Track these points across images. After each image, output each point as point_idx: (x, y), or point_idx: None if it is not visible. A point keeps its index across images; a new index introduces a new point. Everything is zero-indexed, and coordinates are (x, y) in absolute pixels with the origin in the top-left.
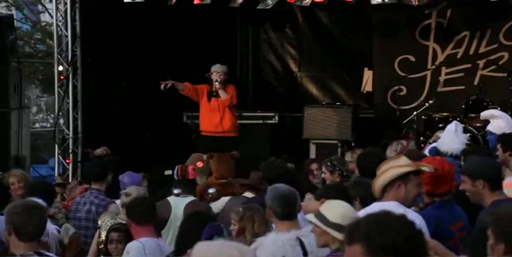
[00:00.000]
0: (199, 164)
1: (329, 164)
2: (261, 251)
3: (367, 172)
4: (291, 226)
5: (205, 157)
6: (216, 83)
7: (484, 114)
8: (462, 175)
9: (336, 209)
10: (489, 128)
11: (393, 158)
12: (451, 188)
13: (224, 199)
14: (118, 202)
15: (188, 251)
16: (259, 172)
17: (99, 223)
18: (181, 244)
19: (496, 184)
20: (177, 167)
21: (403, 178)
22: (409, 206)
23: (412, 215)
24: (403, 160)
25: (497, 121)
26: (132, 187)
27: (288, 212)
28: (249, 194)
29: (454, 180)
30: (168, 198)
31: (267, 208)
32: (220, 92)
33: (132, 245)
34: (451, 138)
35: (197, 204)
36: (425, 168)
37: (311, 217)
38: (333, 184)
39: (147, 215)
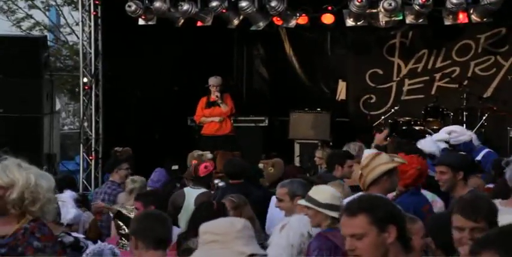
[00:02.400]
0: (194, 162)
1: None
2: (289, 228)
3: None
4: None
5: (209, 154)
6: (217, 96)
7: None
8: (442, 165)
9: (325, 192)
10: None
11: (375, 156)
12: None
13: None
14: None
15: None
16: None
17: (112, 213)
18: (191, 226)
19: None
20: (191, 165)
21: (388, 173)
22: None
23: None
24: (385, 157)
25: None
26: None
27: None
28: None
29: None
30: (184, 189)
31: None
32: (222, 104)
33: None
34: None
35: (206, 194)
36: (400, 160)
37: (303, 201)
38: None
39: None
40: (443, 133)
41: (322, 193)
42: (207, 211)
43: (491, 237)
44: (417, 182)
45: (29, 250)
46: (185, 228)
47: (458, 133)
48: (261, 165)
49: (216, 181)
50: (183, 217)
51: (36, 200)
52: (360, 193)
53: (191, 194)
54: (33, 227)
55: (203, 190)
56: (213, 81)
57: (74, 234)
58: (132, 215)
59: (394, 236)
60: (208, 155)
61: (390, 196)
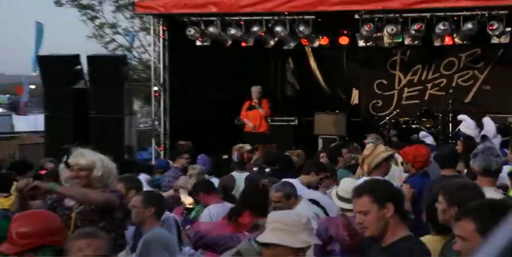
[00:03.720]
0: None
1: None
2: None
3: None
4: None
5: (248, 146)
6: (255, 102)
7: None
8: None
9: (340, 186)
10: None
11: (374, 147)
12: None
13: None
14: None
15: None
16: None
17: (175, 185)
18: (241, 202)
19: (443, 164)
20: (236, 153)
21: (387, 159)
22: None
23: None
24: (382, 147)
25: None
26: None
27: None
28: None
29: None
30: (232, 173)
31: None
32: (259, 108)
33: (203, 211)
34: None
35: (253, 176)
36: (392, 150)
37: (333, 192)
38: None
39: (212, 187)
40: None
41: (344, 185)
42: (254, 190)
43: (470, 207)
44: (426, 164)
45: (106, 191)
46: (236, 204)
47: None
48: (286, 153)
49: (254, 168)
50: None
51: (111, 175)
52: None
53: (240, 177)
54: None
55: (246, 173)
56: (254, 89)
57: None
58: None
59: (392, 211)
60: (247, 147)
61: (403, 176)
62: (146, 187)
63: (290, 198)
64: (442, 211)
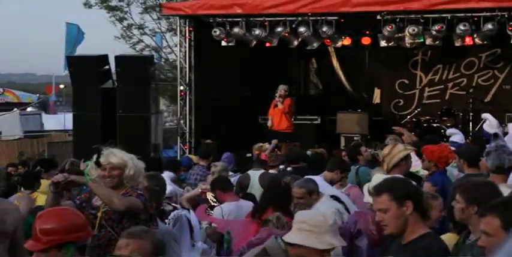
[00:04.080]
0: (256, 152)
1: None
2: (322, 207)
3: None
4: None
5: (267, 145)
6: (276, 98)
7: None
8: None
9: (376, 180)
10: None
11: (394, 146)
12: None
13: None
14: None
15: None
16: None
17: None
18: (264, 200)
19: (471, 163)
20: (255, 152)
21: (405, 158)
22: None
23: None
24: (401, 146)
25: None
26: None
27: None
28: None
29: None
30: (248, 171)
31: None
32: (279, 104)
33: (215, 209)
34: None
35: (266, 174)
36: (410, 148)
37: (365, 187)
38: None
39: (228, 185)
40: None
41: (373, 180)
42: (276, 187)
43: (495, 204)
44: (448, 164)
45: (133, 193)
46: (259, 202)
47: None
48: (309, 152)
49: (281, 166)
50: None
51: (140, 174)
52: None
53: (254, 175)
54: (136, 188)
55: (261, 171)
56: (281, 87)
57: (173, 205)
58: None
59: (411, 209)
60: (267, 145)
61: (425, 173)
62: (170, 185)
63: (312, 194)
64: (460, 209)
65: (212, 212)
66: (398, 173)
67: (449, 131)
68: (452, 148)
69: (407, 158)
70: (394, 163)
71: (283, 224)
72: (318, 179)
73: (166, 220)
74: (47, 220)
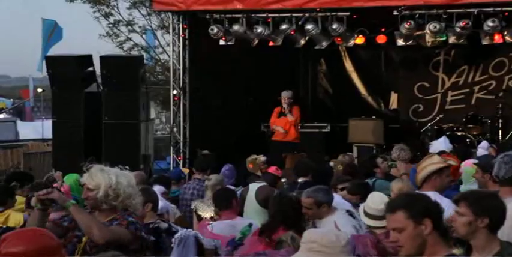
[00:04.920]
0: (250, 165)
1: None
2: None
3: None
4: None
5: (262, 157)
6: (284, 108)
7: None
8: (477, 166)
9: (368, 201)
10: None
11: (428, 157)
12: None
13: None
14: None
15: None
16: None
17: (192, 207)
18: (274, 218)
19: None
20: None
21: (437, 172)
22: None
23: (445, 201)
24: (436, 158)
25: None
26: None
27: None
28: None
29: None
30: (250, 184)
31: None
32: (288, 114)
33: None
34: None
35: (266, 188)
36: (452, 162)
37: (361, 207)
38: None
39: (224, 202)
40: None
41: (369, 200)
42: (287, 204)
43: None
44: (456, 178)
45: (123, 222)
46: (269, 218)
47: None
48: (331, 163)
49: (283, 180)
50: (248, 207)
51: (118, 195)
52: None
53: (253, 187)
54: (128, 213)
55: (263, 183)
56: (284, 94)
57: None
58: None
59: (430, 228)
60: (262, 158)
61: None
62: (161, 200)
63: (321, 206)
64: (467, 223)
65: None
66: (430, 190)
67: (481, 144)
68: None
69: (440, 172)
70: (424, 176)
71: (299, 244)
72: (335, 196)
73: (172, 239)
74: (14, 243)
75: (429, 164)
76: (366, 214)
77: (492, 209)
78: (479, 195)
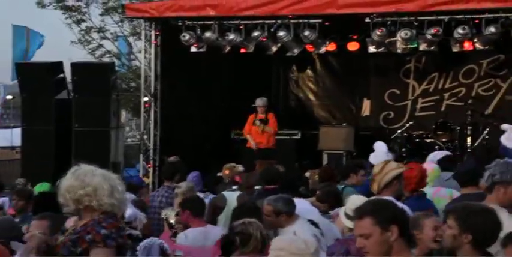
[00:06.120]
0: (226, 171)
1: None
2: (299, 232)
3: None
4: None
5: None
6: (260, 115)
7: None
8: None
9: (350, 203)
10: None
11: (385, 163)
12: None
13: None
14: None
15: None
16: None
17: (162, 215)
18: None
19: (465, 183)
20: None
21: (398, 177)
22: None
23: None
24: (394, 163)
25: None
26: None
27: None
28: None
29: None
30: (223, 192)
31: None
32: (266, 127)
33: (179, 235)
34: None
35: (244, 196)
36: (405, 167)
37: (341, 210)
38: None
39: (201, 209)
40: None
41: (349, 203)
42: (246, 211)
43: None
44: (421, 186)
45: (97, 236)
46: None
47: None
48: (308, 173)
49: (257, 187)
50: (224, 217)
51: (79, 198)
52: (362, 197)
53: (231, 196)
54: (100, 219)
55: (238, 192)
56: (259, 102)
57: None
58: (171, 218)
59: (396, 234)
60: (240, 168)
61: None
62: (130, 208)
63: (280, 215)
64: (452, 236)
65: (175, 239)
66: (389, 195)
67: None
68: None
69: (400, 177)
70: (386, 182)
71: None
72: (303, 202)
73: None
74: None
75: (391, 170)
76: (348, 217)
77: (478, 226)
78: (468, 210)
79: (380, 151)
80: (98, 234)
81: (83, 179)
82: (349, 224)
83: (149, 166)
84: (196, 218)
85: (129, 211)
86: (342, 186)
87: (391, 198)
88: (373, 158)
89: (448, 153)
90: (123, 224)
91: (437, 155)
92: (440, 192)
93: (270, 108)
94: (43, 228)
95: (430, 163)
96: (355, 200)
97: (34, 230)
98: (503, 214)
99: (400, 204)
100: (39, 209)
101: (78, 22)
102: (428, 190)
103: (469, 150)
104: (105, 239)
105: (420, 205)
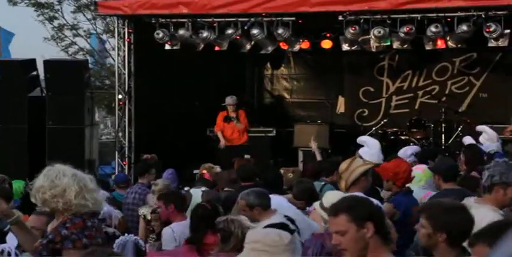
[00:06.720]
0: (204, 172)
1: None
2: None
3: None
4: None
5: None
6: (232, 117)
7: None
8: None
9: (329, 198)
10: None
11: (351, 160)
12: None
13: None
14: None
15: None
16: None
17: (140, 213)
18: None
19: (447, 178)
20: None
21: (365, 173)
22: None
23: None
24: (360, 160)
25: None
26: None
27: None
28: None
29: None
30: (191, 189)
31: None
32: (237, 123)
33: (165, 230)
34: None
35: (210, 193)
36: (372, 163)
37: (316, 204)
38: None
39: (185, 204)
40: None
41: (328, 198)
42: (202, 210)
43: (484, 232)
44: (408, 181)
45: (57, 237)
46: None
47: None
48: (281, 171)
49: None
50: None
51: (55, 196)
52: (338, 193)
53: (196, 193)
54: (67, 219)
55: (203, 188)
56: (229, 100)
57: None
58: (149, 215)
59: (372, 231)
60: (218, 169)
61: (387, 194)
62: (105, 206)
63: (254, 209)
64: (426, 235)
65: (153, 237)
66: (358, 191)
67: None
68: None
69: (367, 173)
70: (353, 179)
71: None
72: (280, 198)
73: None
74: None
75: (357, 167)
76: (325, 209)
77: (451, 224)
78: (440, 208)
79: (376, 149)
80: (59, 235)
81: (52, 180)
82: (326, 216)
83: (124, 163)
84: (180, 213)
85: (104, 209)
86: (322, 183)
87: (359, 194)
88: (368, 155)
89: (419, 148)
90: (98, 222)
91: (407, 150)
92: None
93: (240, 105)
94: (41, 223)
95: (421, 164)
96: (333, 195)
97: (31, 225)
98: (496, 216)
99: (375, 201)
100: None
101: (51, 19)
102: (419, 193)
103: (443, 147)
104: (63, 240)
105: (408, 201)
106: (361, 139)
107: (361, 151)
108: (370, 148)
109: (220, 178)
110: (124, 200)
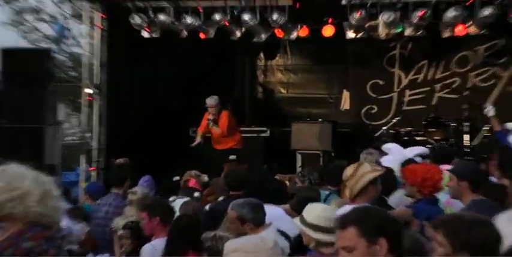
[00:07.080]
0: (192, 181)
1: (300, 175)
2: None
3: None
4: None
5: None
6: (209, 119)
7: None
8: (451, 173)
9: (312, 211)
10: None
11: (358, 166)
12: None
13: None
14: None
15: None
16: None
17: (113, 225)
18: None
19: (477, 186)
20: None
21: (374, 181)
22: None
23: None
24: (367, 166)
25: None
26: (138, 187)
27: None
28: None
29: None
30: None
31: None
32: (213, 126)
33: (144, 248)
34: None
35: (188, 204)
36: (381, 168)
37: (296, 219)
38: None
39: (172, 216)
40: None
41: (311, 211)
42: (186, 221)
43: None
44: (436, 191)
45: (17, 251)
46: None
47: None
48: (277, 177)
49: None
50: None
51: (11, 201)
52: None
53: (176, 204)
54: (24, 229)
55: (186, 199)
56: (209, 101)
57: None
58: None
59: (385, 249)
60: (205, 178)
61: (407, 202)
62: (65, 219)
63: (245, 223)
64: (444, 255)
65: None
66: (365, 202)
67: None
68: None
69: (376, 181)
70: (360, 187)
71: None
72: (277, 209)
73: None
74: None
75: (365, 173)
76: (311, 226)
77: (474, 242)
78: (460, 224)
79: (401, 157)
80: (19, 248)
81: (9, 182)
82: (316, 235)
83: (92, 169)
84: (165, 228)
85: (63, 223)
86: (327, 192)
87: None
88: (391, 163)
89: (426, 149)
90: (60, 234)
91: (413, 150)
92: (455, 202)
93: (225, 105)
94: None
95: (445, 165)
96: (314, 208)
97: None
98: None
99: (390, 213)
100: None
101: (9, 1)
102: (442, 197)
103: (466, 149)
104: (29, 254)
105: (431, 210)
106: (386, 147)
107: (383, 160)
108: (394, 156)
109: (216, 185)
110: (94, 213)
